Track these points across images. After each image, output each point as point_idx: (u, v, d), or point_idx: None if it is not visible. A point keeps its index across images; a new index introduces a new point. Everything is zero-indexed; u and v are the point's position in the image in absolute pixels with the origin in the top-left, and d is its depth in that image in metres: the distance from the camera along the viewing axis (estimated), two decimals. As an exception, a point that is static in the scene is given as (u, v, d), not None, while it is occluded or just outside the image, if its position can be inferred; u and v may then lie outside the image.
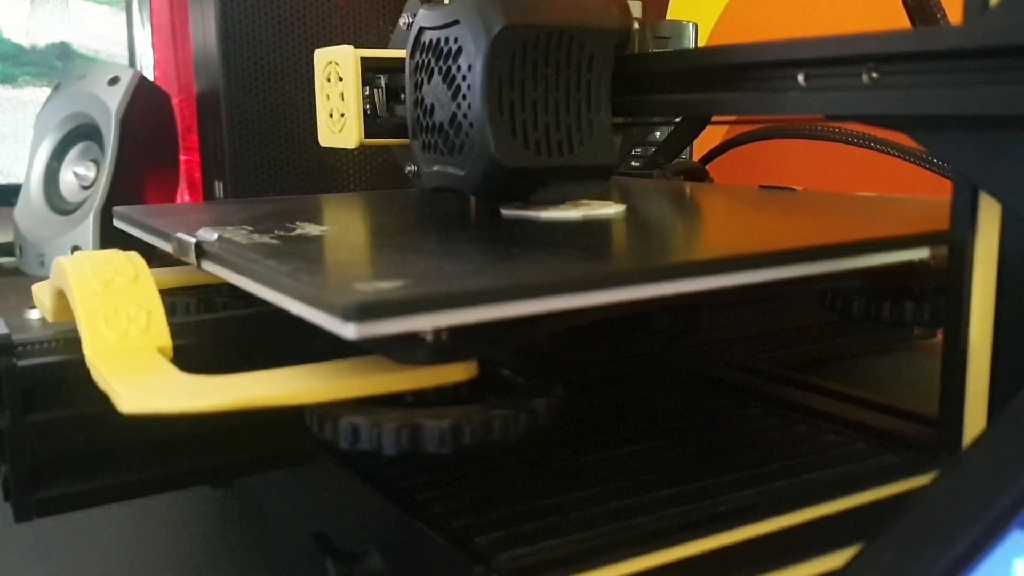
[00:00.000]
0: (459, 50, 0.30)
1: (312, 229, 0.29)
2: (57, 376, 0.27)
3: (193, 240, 0.27)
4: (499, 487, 0.26)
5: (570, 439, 0.29)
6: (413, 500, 0.25)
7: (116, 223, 0.37)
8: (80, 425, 0.27)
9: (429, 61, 0.31)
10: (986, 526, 0.16)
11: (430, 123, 0.32)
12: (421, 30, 0.32)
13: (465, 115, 0.30)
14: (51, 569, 0.34)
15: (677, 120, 0.49)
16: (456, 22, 0.30)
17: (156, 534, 0.36)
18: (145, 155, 0.56)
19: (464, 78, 0.30)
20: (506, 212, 0.32)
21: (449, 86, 0.30)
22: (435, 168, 0.32)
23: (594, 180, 0.32)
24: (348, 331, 0.18)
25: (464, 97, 0.30)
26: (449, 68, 0.30)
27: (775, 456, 0.28)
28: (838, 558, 0.24)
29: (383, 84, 0.38)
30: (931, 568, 0.16)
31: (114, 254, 0.26)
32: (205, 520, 0.38)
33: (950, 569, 0.15)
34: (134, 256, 0.26)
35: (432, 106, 0.31)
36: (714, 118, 0.48)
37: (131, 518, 0.37)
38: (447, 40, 0.30)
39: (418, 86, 0.32)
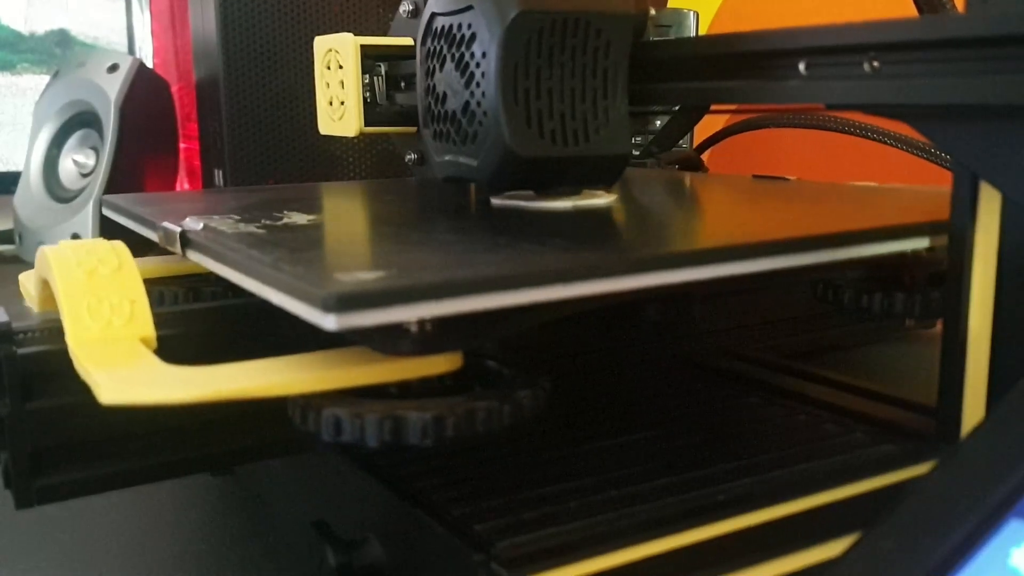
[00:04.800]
0: (472, 36, 0.29)
1: (299, 219, 0.29)
2: (57, 364, 0.27)
3: (178, 229, 0.27)
4: (498, 475, 0.26)
5: (570, 428, 0.29)
6: (412, 488, 0.25)
7: (105, 212, 0.37)
8: (81, 413, 0.27)
9: (441, 48, 0.31)
10: (984, 515, 0.16)
11: (442, 112, 0.31)
12: (433, 16, 0.31)
13: (479, 103, 0.29)
14: (52, 556, 0.34)
15: (675, 108, 0.49)
16: (469, 7, 0.29)
17: (156, 521, 0.36)
18: (144, 143, 0.56)
19: (478, 65, 0.29)
20: (496, 202, 0.32)
21: (462, 74, 0.30)
22: (446, 158, 0.31)
23: (610, 170, 0.31)
24: (328, 322, 0.18)
25: (478, 85, 0.29)
26: (462, 55, 0.29)
27: (774, 445, 0.28)
28: (836, 547, 0.24)
29: (383, 72, 0.37)
30: (929, 557, 0.16)
31: (98, 243, 0.26)
32: (205, 507, 0.38)
33: (948, 558, 0.16)
34: (118, 245, 0.26)
35: (444, 94, 0.31)
36: (713, 107, 0.48)
37: (131, 505, 0.37)
38: (460, 26, 0.30)
39: (429, 73, 0.32)
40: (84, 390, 0.27)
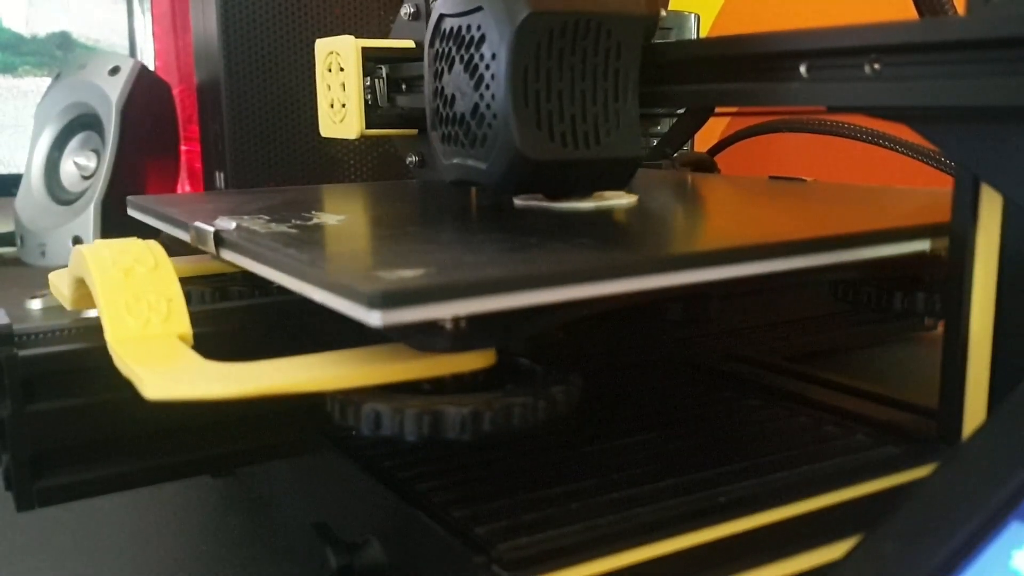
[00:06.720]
0: (482, 38, 0.29)
1: (328, 218, 0.29)
2: (58, 366, 0.27)
3: (212, 229, 0.27)
4: (499, 477, 0.26)
5: (570, 430, 0.29)
6: (414, 490, 0.25)
7: (130, 212, 0.37)
8: (81, 415, 0.27)
9: (450, 49, 0.30)
10: (985, 517, 0.16)
11: (450, 114, 0.31)
12: (441, 17, 0.31)
13: (488, 106, 0.29)
14: (53, 558, 0.34)
15: (680, 111, 0.49)
16: (479, 9, 0.29)
17: (157, 523, 0.37)
18: (146, 145, 0.56)
19: (487, 67, 0.28)
20: (519, 202, 0.32)
21: (471, 76, 0.29)
22: (455, 161, 0.31)
23: (620, 173, 0.31)
24: (373, 319, 0.19)
25: (487, 87, 0.28)
26: (471, 57, 0.29)
27: (775, 447, 0.28)
28: (838, 549, 0.24)
29: (384, 74, 0.37)
30: (930, 559, 0.16)
31: (133, 243, 0.26)
32: (206, 509, 0.38)
33: (949, 560, 0.16)
34: (153, 244, 0.26)
35: (453, 96, 0.30)
36: (717, 109, 0.48)
37: (133, 507, 0.37)
38: (469, 28, 0.29)
39: (438, 75, 0.31)
40: (86, 392, 0.27)
